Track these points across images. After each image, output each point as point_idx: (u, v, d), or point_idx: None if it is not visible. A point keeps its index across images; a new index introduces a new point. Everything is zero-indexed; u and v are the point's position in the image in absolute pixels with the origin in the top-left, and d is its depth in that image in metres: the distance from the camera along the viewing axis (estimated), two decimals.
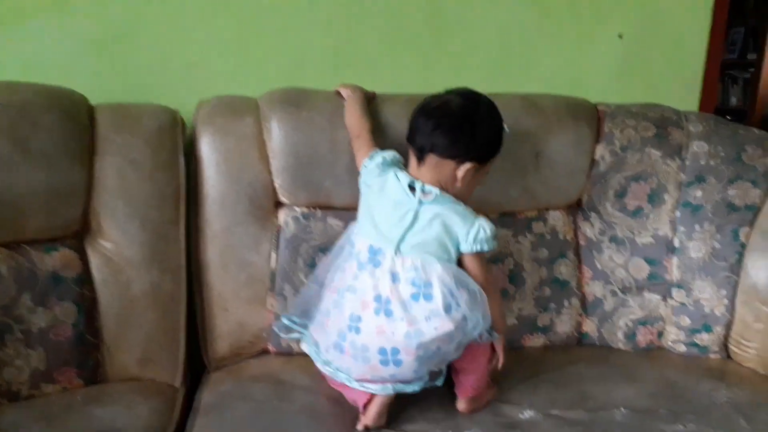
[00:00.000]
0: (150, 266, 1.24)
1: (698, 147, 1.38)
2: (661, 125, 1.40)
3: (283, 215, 1.33)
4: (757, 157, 1.36)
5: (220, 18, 1.46)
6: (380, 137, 1.26)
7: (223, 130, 1.30)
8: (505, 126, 1.15)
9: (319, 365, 1.16)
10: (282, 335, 1.26)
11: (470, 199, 1.16)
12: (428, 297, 1.05)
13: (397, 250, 1.08)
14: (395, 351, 1.04)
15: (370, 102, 1.32)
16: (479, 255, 1.10)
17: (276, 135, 1.29)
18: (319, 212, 1.34)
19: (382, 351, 1.05)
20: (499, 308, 1.18)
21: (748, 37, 3.82)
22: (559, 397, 1.20)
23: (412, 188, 1.10)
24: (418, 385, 1.10)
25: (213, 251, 1.30)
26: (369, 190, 1.16)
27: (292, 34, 1.49)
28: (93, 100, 1.28)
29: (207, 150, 1.29)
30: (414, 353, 1.03)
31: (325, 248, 1.32)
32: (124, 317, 1.22)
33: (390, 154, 1.17)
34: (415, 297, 1.05)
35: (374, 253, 1.09)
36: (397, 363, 1.05)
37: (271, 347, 1.34)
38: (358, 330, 1.07)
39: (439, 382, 1.14)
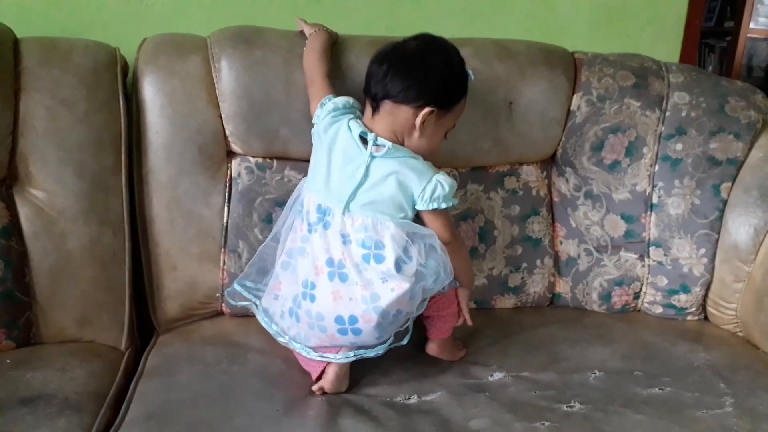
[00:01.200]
0: (87, 218, 1.13)
1: (679, 98, 1.31)
2: (641, 75, 1.32)
3: (235, 165, 1.23)
4: (740, 109, 1.29)
5: None
6: (341, 81, 1.16)
7: (167, 69, 1.18)
8: (470, 71, 1.05)
9: (272, 334, 1.08)
10: (232, 302, 1.17)
11: (439, 152, 1.07)
12: (379, 258, 0.97)
13: (346, 209, 0.99)
14: (353, 319, 0.97)
15: (334, 44, 1.21)
16: (439, 212, 1.01)
17: (226, 76, 1.18)
18: (275, 163, 1.24)
19: (339, 319, 0.98)
20: (465, 263, 1.10)
21: (725, 5, 3.77)
22: (530, 359, 1.14)
23: (364, 140, 1.00)
24: (381, 348, 1.03)
25: (159, 204, 1.20)
26: (319, 141, 1.05)
27: None
28: (22, 35, 1.15)
29: (150, 92, 1.18)
30: (374, 320, 0.96)
31: (282, 202, 1.22)
32: (58, 273, 1.12)
33: (343, 100, 1.06)
34: (366, 258, 0.97)
35: (323, 212, 1.01)
36: (356, 332, 0.98)
37: (225, 308, 1.25)
38: (312, 297, 0.99)
39: (405, 341, 1.06)
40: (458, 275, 1.05)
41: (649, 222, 1.30)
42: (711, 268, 1.27)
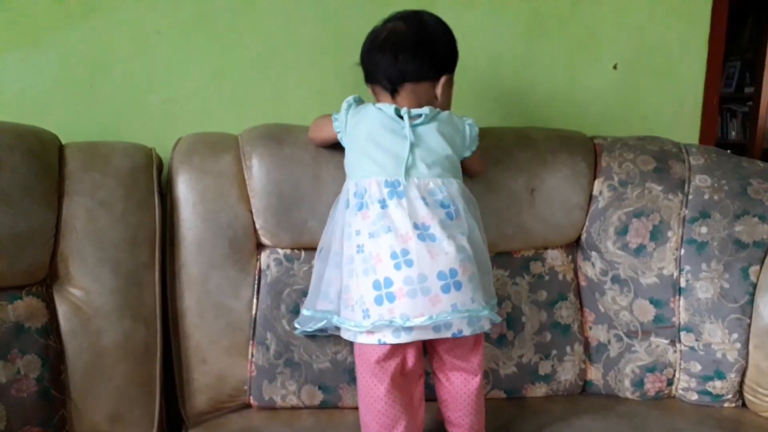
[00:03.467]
0: (122, 315, 1.16)
1: (701, 181, 1.32)
2: (661, 158, 1.34)
3: (264, 258, 1.26)
4: (763, 191, 1.29)
5: (197, 51, 1.41)
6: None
7: (200, 168, 1.23)
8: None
9: (362, 339, 1.05)
10: (307, 330, 1.20)
11: None
12: (458, 213, 1.07)
13: (411, 176, 1.07)
14: (453, 272, 1.01)
15: None
16: (477, 151, 1.18)
17: (257, 173, 1.23)
18: (302, 253, 1.27)
19: (441, 275, 1.01)
20: None
21: (744, 71, 3.81)
22: None
23: (399, 115, 1.08)
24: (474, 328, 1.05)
25: (190, 298, 1.22)
26: (354, 138, 1.13)
27: (273, 67, 1.44)
28: (66, 140, 1.22)
29: (184, 190, 1.23)
30: (470, 269, 1.03)
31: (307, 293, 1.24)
32: (92, 370, 1.14)
33: (353, 97, 1.16)
34: (449, 215, 1.06)
35: (392, 185, 1.06)
36: (457, 286, 1.01)
37: (253, 401, 1.25)
38: (409, 263, 1.01)
39: (487, 327, 1.10)
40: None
41: (679, 306, 1.28)
42: (745, 354, 1.24)
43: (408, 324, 1.00)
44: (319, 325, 1.17)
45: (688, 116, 1.68)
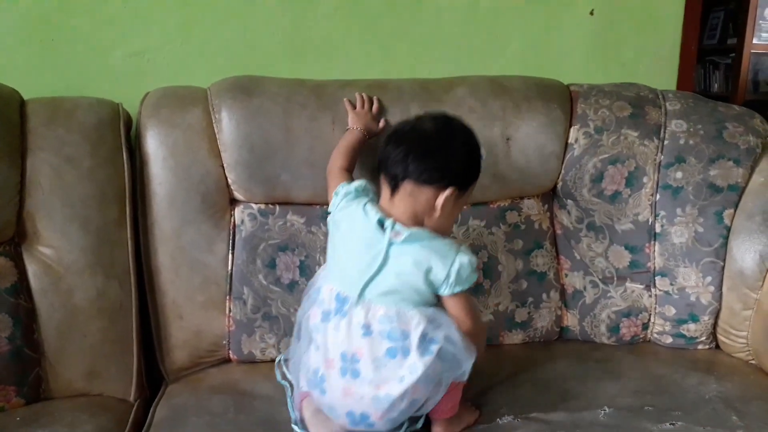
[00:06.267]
0: (94, 272, 1.15)
1: (677, 126, 1.31)
2: (638, 104, 1.33)
3: (238, 213, 1.25)
4: (738, 135, 1.28)
5: (162, 2, 1.37)
6: (339, 125, 1.18)
7: (169, 122, 1.21)
8: (483, 151, 1.05)
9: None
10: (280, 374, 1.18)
11: None
12: (406, 352, 0.94)
13: (364, 297, 0.97)
14: (365, 416, 0.96)
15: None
16: (461, 295, 0.97)
17: (226, 126, 1.21)
18: (277, 208, 1.26)
19: (350, 414, 0.96)
20: (483, 348, 1.05)
21: (727, 22, 3.76)
22: (539, 398, 1.12)
23: (382, 226, 0.98)
24: None
25: (163, 254, 1.21)
26: (336, 228, 1.05)
27: (241, 19, 1.41)
28: (29, 95, 1.19)
29: (153, 144, 1.20)
30: (387, 416, 0.95)
31: (285, 247, 1.24)
32: (66, 328, 1.13)
33: (356, 184, 1.06)
34: (391, 353, 0.94)
35: (341, 301, 0.98)
36: (369, 425, 0.97)
37: (232, 355, 1.25)
38: (323, 390, 0.98)
39: (419, 425, 1.02)
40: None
41: (654, 251, 1.29)
42: (719, 296, 1.25)
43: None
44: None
45: (666, 64, 1.67)
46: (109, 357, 1.16)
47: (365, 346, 0.95)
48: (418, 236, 0.96)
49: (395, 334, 0.94)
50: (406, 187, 0.98)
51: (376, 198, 1.05)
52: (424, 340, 0.94)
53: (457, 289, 0.96)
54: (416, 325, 0.94)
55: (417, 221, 0.99)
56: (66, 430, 1.03)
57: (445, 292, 0.96)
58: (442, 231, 1.01)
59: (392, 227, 0.97)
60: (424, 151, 0.98)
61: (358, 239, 1.00)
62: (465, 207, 1.05)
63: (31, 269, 1.12)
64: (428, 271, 0.95)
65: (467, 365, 0.98)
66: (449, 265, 0.95)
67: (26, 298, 1.11)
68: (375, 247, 0.97)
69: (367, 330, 0.96)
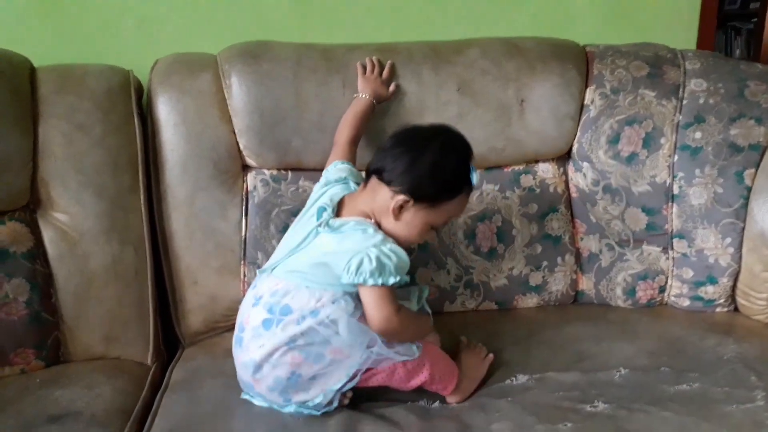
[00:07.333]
0: (109, 238, 1.16)
1: (696, 85, 1.27)
2: (655, 64, 1.30)
3: (251, 179, 1.25)
4: (760, 93, 1.24)
5: None
6: (349, 89, 1.17)
7: (180, 88, 1.21)
8: (474, 174, 0.99)
9: None
10: None
11: None
12: (282, 325, 0.94)
13: (274, 273, 1.00)
14: (248, 385, 1.00)
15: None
16: (369, 288, 0.94)
17: (237, 91, 1.20)
18: (289, 174, 1.26)
19: (241, 381, 1.02)
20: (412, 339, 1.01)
21: None
22: (554, 359, 1.12)
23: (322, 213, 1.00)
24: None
25: (177, 220, 1.22)
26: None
27: None
28: (39, 64, 1.19)
29: (164, 111, 1.20)
30: (262, 382, 0.97)
31: (297, 212, 1.21)
32: (83, 293, 1.14)
33: (338, 176, 1.08)
34: (266, 324, 0.95)
35: (259, 276, 1.04)
36: (257, 394, 1.01)
37: None
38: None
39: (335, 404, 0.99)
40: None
41: (671, 213, 1.27)
42: (738, 258, 1.23)
43: None
44: None
45: (685, 28, 1.62)
46: (126, 321, 1.18)
47: (251, 316, 0.98)
48: (347, 227, 0.97)
49: (276, 308, 0.96)
50: (373, 181, 1.00)
51: (356, 186, 1.06)
52: (303, 318, 0.94)
53: (358, 279, 0.92)
54: (304, 304, 0.95)
55: (374, 219, 0.99)
56: (85, 392, 1.05)
57: (344, 280, 0.94)
58: (398, 239, 0.98)
59: (329, 216, 0.99)
60: (397, 152, 0.98)
61: (299, 220, 1.05)
62: (439, 226, 1.03)
63: (47, 235, 1.13)
64: (334, 256, 0.95)
65: (356, 352, 0.95)
66: (352, 255, 0.93)
67: (43, 263, 1.12)
68: (304, 230, 1.00)
69: (257, 301, 0.99)
